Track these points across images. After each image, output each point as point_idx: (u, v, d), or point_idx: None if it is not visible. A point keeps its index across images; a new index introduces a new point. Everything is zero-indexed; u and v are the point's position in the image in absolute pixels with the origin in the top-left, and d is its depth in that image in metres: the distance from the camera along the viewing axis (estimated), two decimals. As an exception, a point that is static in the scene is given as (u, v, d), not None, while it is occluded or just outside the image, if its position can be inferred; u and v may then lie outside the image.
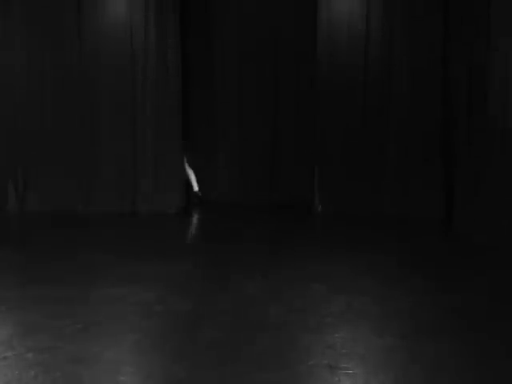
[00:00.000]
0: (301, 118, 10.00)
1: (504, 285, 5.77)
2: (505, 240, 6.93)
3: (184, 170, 9.60)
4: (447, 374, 3.84)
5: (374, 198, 9.05)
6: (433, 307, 5.11)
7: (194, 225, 9.16)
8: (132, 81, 9.26)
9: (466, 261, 6.69)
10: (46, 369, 3.84)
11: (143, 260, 6.53)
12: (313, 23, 9.15)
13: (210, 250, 7.12)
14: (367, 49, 9.00)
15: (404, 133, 8.98)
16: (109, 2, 9.12)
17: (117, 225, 8.62)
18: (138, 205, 9.35)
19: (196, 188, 9.77)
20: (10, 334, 4.42)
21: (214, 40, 10.07)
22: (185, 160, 9.68)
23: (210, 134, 10.26)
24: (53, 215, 8.98)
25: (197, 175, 9.90)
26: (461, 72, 8.26)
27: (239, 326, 4.66)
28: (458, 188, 8.36)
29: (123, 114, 9.26)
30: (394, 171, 9.04)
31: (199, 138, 10.20)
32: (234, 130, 10.15)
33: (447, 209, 8.73)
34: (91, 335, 4.43)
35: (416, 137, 8.94)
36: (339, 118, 9.11)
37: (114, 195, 9.29)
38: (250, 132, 10.05)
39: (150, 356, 4.12)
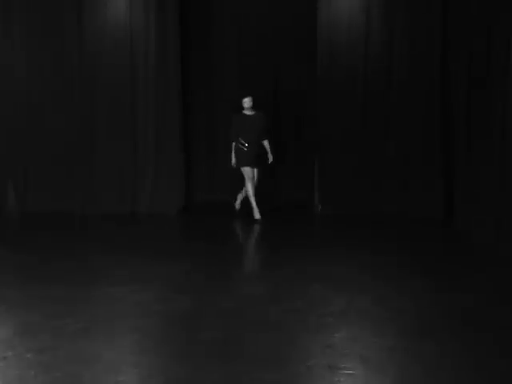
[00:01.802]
0: (301, 118, 10.01)
1: (504, 284, 5.77)
2: (505, 239, 6.93)
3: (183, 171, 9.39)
4: (447, 373, 3.84)
5: (374, 198, 9.05)
6: (433, 307, 5.11)
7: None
8: (132, 81, 9.27)
9: (465, 260, 6.69)
10: (46, 369, 3.84)
11: (143, 260, 6.54)
12: (313, 23, 9.15)
13: (209, 250, 7.12)
14: (367, 49, 9.01)
15: (404, 133, 8.99)
16: (109, 2, 9.13)
17: (117, 225, 8.62)
18: (138, 205, 9.36)
19: (257, 216, 8.60)
20: (10, 334, 4.42)
21: (214, 40, 10.08)
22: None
23: (210, 133, 10.28)
24: (53, 215, 8.98)
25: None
26: (461, 71, 8.27)
27: (239, 325, 4.66)
28: (457, 187, 8.36)
29: (123, 114, 9.27)
30: (393, 171, 9.04)
31: (200, 138, 10.21)
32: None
33: (447, 208, 8.74)
34: (91, 335, 4.43)
35: (416, 137, 8.95)
36: (339, 119, 9.12)
37: (114, 195, 9.30)
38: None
39: (149, 356, 4.12)
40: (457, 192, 8.41)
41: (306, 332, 4.53)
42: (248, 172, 8.73)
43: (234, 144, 8.79)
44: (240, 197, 9.18)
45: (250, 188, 8.70)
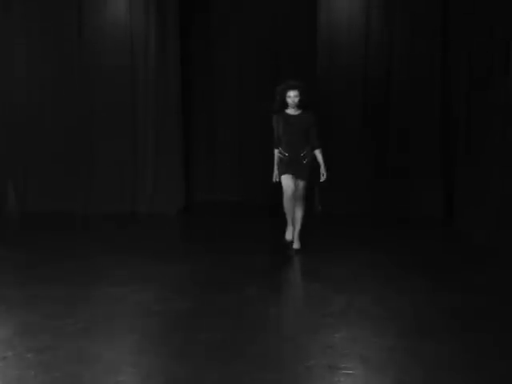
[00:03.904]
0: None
1: (504, 285, 5.77)
2: (505, 239, 6.93)
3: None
4: (447, 373, 3.84)
5: (374, 198, 9.05)
6: (433, 307, 5.10)
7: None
8: (132, 81, 9.27)
9: (465, 260, 6.68)
10: (46, 369, 3.83)
11: (143, 260, 6.53)
12: (313, 24, 9.16)
13: (209, 250, 7.12)
14: (367, 49, 9.01)
15: (404, 133, 9.00)
16: (109, 2, 9.13)
17: (117, 225, 8.62)
18: (138, 205, 9.36)
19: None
20: (10, 334, 4.42)
21: (214, 40, 10.09)
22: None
23: (210, 133, 10.29)
24: (53, 215, 8.98)
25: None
26: (461, 71, 8.27)
27: (239, 326, 4.66)
28: (457, 187, 8.36)
29: (123, 114, 9.28)
30: (394, 171, 9.05)
31: (199, 138, 10.22)
32: (234, 130, 10.17)
33: (447, 209, 8.74)
34: (91, 335, 4.43)
35: (416, 137, 8.96)
36: (339, 118, 9.12)
37: (114, 195, 9.30)
38: (250, 132, 10.06)
39: (149, 356, 4.11)
40: (457, 192, 8.41)
41: (305, 332, 4.53)
42: (287, 183, 6.67)
43: (276, 152, 6.79)
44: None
45: (285, 200, 6.73)
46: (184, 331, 4.57)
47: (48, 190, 9.29)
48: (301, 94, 6.56)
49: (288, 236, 6.93)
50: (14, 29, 9.14)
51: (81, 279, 5.84)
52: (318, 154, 6.71)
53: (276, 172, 6.75)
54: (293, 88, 6.57)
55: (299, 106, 6.62)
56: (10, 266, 6.40)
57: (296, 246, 6.89)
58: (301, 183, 6.70)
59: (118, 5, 9.14)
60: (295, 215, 6.84)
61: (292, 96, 6.56)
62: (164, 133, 9.32)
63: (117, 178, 9.32)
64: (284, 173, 6.68)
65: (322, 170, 6.67)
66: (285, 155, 6.66)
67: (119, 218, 8.92)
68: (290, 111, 6.69)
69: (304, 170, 6.65)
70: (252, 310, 5.04)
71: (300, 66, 9.91)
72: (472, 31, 7.93)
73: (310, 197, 9.35)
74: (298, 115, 6.67)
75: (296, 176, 6.65)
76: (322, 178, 6.72)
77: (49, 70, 9.23)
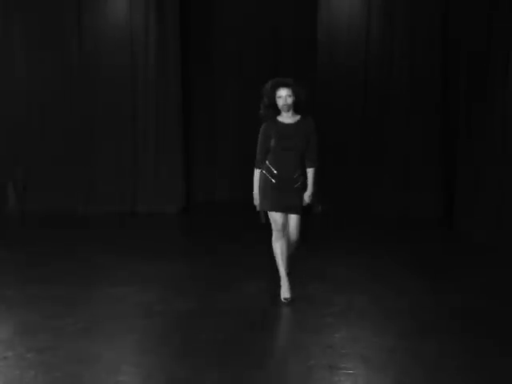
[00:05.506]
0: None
1: (504, 284, 5.77)
2: (505, 239, 6.93)
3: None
4: (447, 373, 3.84)
5: (374, 198, 9.05)
6: (433, 307, 5.11)
7: None
8: (132, 80, 9.27)
9: (465, 260, 6.69)
10: (46, 369, 3.84)
11: (143, 260, 6.54)
12: (313, 23, 9.16)
13: (209, 250, 7.12)
14: (367, 49, 9.01)
15: (404, 132, 8.99)
16: (109, 2, 9.13)
17: (117, 225, 8.62)
18: (138, 205, 9.36)
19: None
20: (11, 334, 4.42)
21: (214, 39, 10.09)
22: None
23: (211, 133, 10.29)
24: (53, 215, 8.98)
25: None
26: (461, 71, 8.27)
27: (239, 325, 4.66)
28: (458, 188, 8.36)
29: (123, 114, 9.28)
30: (394, 171, 9.05)
31: (199, 138, 10.22)
32: (234, 130, 10.17)
33: (447, 208, 8.74)
34: (91, 335, 4.43)
35: (416, 137, 8.96)
36: (339, 118, 9.11)
37: (115, 195, 9.30)
38: (250, 132, 10.04)
39: (149, 356, 4.12)
40: (457, 192, 8.41)
41: (306, 332, 4.53)
42: (276, 219, 5.17)
43: (257, 172, 5.25)
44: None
45: (277, 246, 5.22)
46: (184, 331, 4.57)
47: (48, 190, 9.28)
48: (294, 93, 5.05)
49: (284, 294, 5.20)
50: (14, 29, 9.13)
51: (81, 279, 5.84)
52: (310, 172, 5.26)
53: (258, 199, 5.23)
54: (283, 85, 5.05)
55: (294, 109, 5.13)
56: (10, 266, 6.40)
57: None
58: (294, 218, 5.22)
59: (118, 4, 9.14)
60: (288, 247, 5.25)
61: (284, 95, 5.04)
62: (164, 133, 9.32)
63: (117, 178, 9.32)
64: (271, 208, 5.13)
65: (308, 192, 5.27)
66: (273, 173, 5.12)
67: (119, 218, 8.92)
68: (285, 118, 5.18)
69: (297, 200, 5.18)
70: (252, 309, 5.04)
71: (300, 66, 9.92)
72: (472, 31, 7.92)
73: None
74: (296, 123, 5.15)
75: (287, 211, 5.17)
76: (305, 200, 5.27)
77: (49, 70, 9.22)
